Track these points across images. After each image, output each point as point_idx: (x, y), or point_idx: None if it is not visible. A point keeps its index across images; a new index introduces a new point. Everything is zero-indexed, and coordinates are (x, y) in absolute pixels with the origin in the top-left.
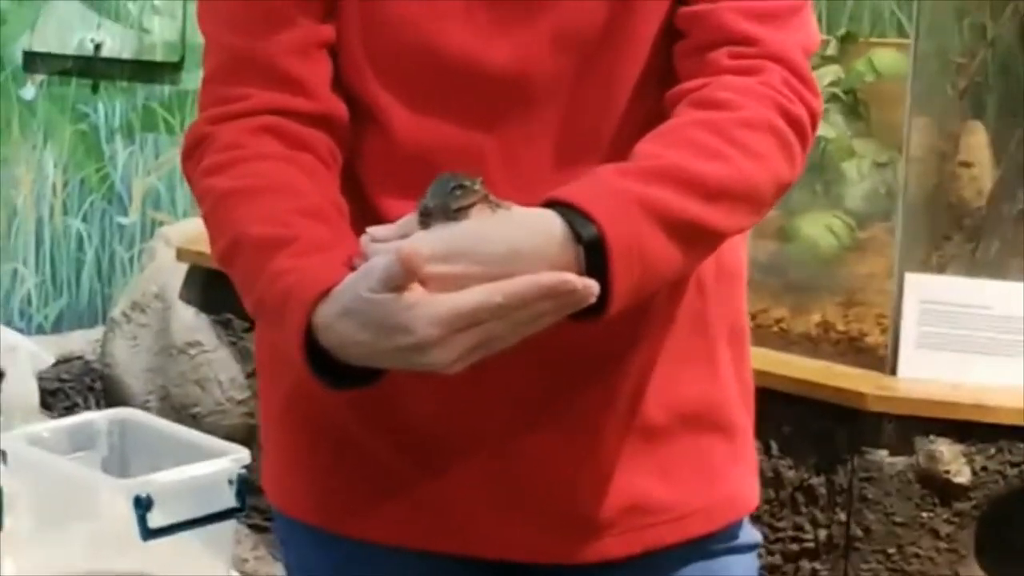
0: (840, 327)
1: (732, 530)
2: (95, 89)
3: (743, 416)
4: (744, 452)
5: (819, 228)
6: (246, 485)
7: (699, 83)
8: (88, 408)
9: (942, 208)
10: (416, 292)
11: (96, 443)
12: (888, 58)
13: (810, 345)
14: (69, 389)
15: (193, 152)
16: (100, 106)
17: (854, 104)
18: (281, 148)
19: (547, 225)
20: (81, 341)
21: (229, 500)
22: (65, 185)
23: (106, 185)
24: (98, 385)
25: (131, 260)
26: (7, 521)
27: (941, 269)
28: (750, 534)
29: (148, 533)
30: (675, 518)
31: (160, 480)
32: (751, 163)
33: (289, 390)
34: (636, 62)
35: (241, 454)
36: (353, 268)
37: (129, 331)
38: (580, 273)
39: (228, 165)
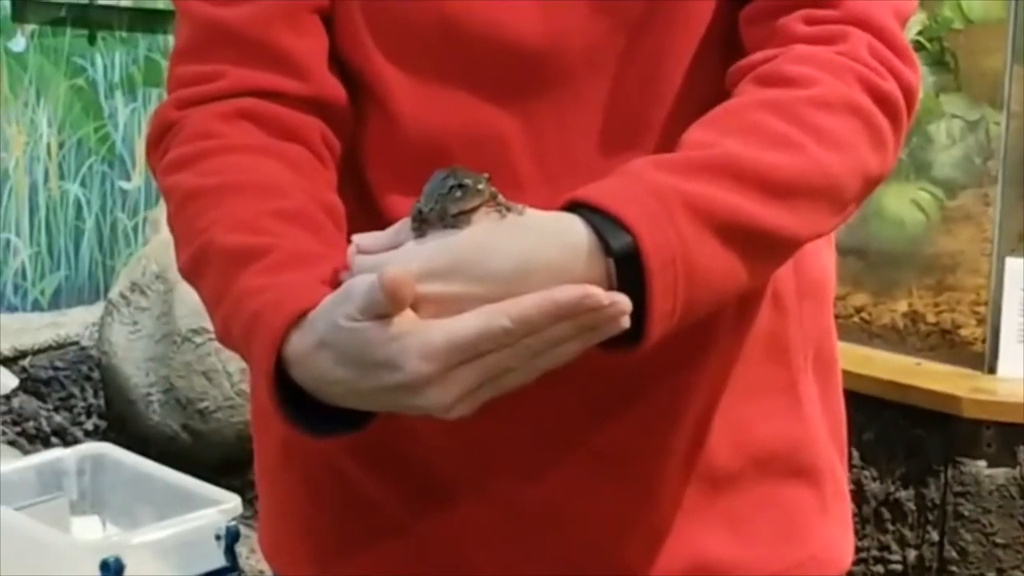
0: (930, 318)
1: None
2: (92, 40)
3: (833, 458)
4: (834, 502)
5: (904, 202)
6: (237, 539)
7: (767, 55)
8: (85, 400)
9: None
10: (405, 319)
11: (65, 484)
12: (978, 1)
13: (896, 338)
14: (64, 378)
15: (159, 142)
16: (98, 58)
17: (940, 54)
18: (262, 137)
19: (568, 233)
20: (79, 324)
21: (217, 559)
22: (61, 146)
23: (106, 146)
24: (96, 375)
25: (135, 229)
26: None
27: None
28: None
29: None
30: None
31: (134, 541)
32: (829, 152)
33: (286, 434)
34: (692, 31)
35: (231, 503)
36: (338, 286)
37: (128, 315)
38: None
39: (197, 158)
